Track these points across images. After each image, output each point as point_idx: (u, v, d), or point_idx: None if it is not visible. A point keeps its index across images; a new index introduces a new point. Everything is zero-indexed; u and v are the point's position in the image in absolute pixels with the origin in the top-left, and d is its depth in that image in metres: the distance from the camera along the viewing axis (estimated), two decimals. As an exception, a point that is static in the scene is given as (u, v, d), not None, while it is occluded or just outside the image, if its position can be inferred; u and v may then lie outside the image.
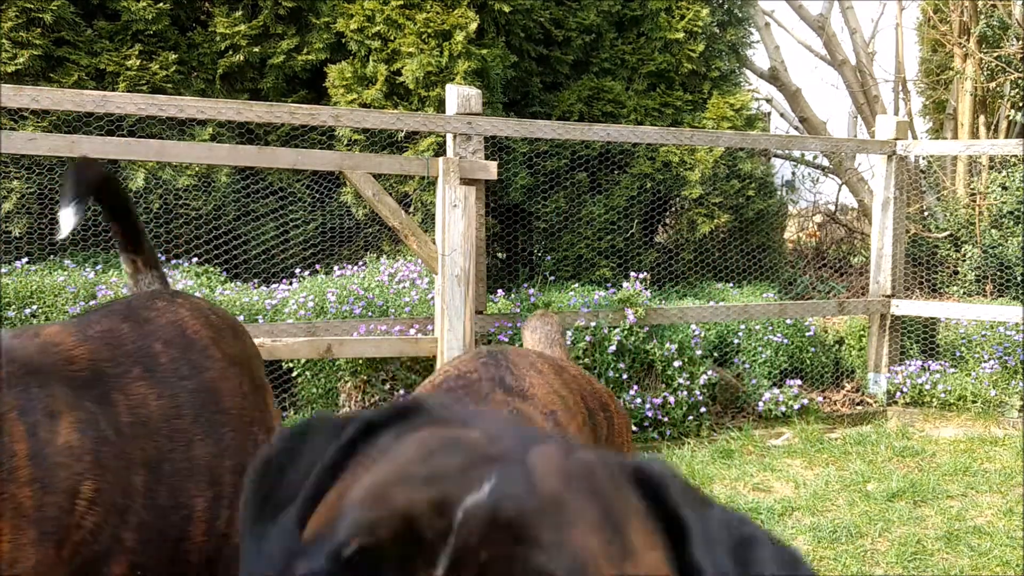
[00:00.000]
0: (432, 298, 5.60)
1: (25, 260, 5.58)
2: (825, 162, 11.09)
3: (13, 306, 4.96)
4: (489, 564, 0.65)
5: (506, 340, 5.59)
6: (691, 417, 6.10)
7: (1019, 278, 8.44)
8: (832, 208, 11.35)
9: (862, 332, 7.38)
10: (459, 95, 5.44)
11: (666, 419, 5.99)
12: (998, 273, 8.60)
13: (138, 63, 6.15)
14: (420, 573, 0.66)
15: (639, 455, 0.79)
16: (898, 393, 6.94)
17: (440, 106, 6.25)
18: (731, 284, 7.55)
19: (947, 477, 5.41)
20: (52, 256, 5.80)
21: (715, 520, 0.77)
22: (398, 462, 0.75)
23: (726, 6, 8.22)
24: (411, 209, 6.45)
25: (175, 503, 1.61)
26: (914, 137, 9.53)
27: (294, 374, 5.59)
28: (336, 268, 6.19)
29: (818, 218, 11.41)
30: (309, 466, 0.82)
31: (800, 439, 6.14)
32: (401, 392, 5.45)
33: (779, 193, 9.14)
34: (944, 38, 9.94)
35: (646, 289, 6.45)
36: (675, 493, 0.76)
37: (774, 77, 10.82)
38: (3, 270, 5.35)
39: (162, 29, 6.29)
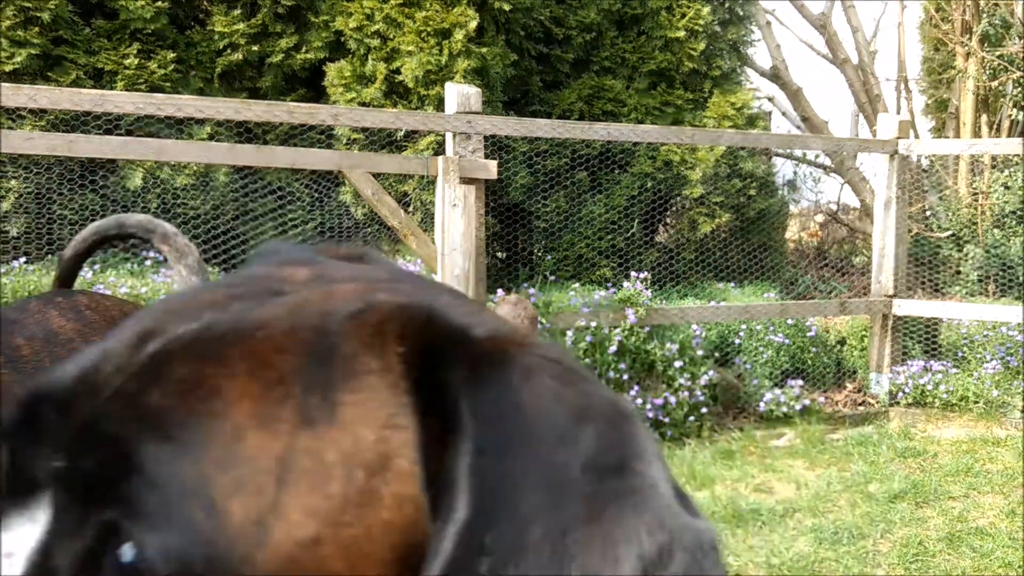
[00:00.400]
0: (431, 298, 5.57)
1: (23, 260, 5.56)
2: (827, 161, 11.07)
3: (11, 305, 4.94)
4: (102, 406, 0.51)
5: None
6: (692, 418, 6.07)
7: (1021, 278, 8.41)
8: (834, 207, 11.33)
9: (864, 332, 7.36)
10: (459, 94, 5.41)
11: (667, 420, 5.96)
12: (1000, 273, 8.57)
13: (136, 62, 6.12)
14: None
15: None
16: (900, 393, 6.91)
17: (440, 105, 6.22)
18: (732, 284, 7.53)
19: (949, 478, 5.38)
20: (50, 256, 5.78)
21: (555, 434, 0.49)
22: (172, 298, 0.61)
23: (727, 4, 8.20)
24: (410, 208, 6.43)
25: None
26: (916, 136, 9.52)
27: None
28: (335, 268, 6.17)
29: (820, 218, 11.39)
30: None
31: (802, 440, 6.11)
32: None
33: (781, 192, 9.11)
34: (946, 37, 9.91)
35: (647, 289, 6.42)
36: (461, 366, 0.51)
37: (775, 76, 10.80)
38: (1, 270, 5.33)
39: (160, 28, 6.27)
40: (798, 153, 10.67)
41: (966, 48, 9.61)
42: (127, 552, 0.47)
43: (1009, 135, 9.54)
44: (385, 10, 6.50)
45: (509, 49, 6.88)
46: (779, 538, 4.34)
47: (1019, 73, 9.30)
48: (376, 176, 5.17)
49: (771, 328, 6.81)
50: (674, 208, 7.90)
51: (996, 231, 8.66)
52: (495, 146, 6.52)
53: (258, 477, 0.47)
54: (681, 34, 7.56)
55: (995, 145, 8.07)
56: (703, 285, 7.49)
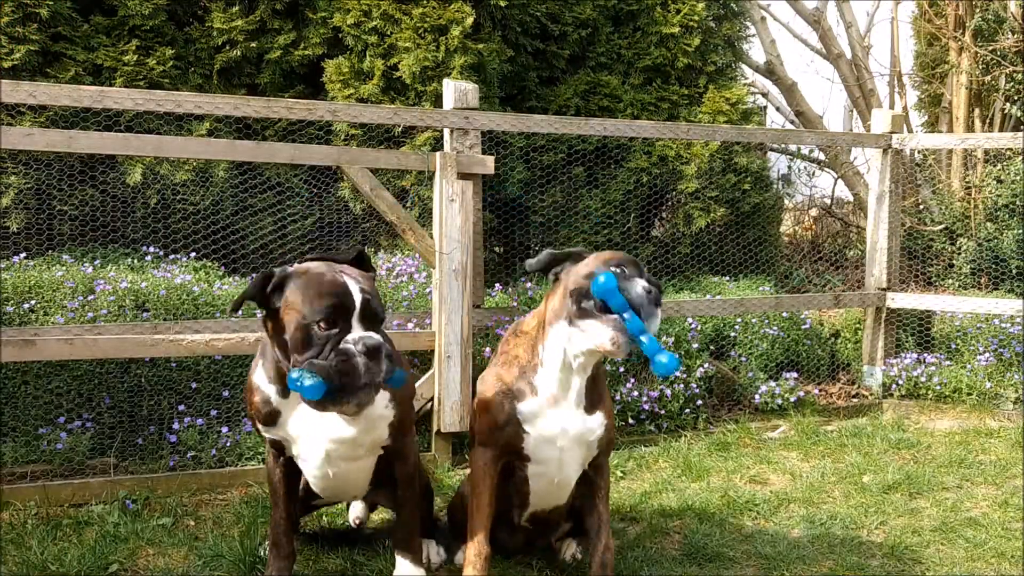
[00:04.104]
0: (430, 292, 5.62)
1: (23, 255, 5.59)
2: (821, 156, 11.12)
3: (12, 301, 4.97)
4: (368, 307, 2.87)
5: (504, 335, 5.61)
6: (688, 410, 6.13)
7: (1014, 271, 8.47)
8: (828, 202, 11.38)
9: (857, 325, 7.42)
10: (456, 90, 5.45)
11: (663, 412, 6.01)
12: (993, 266, 8.63)
13: (135, 58, 6.15)
14: (350, 320, 2.87)
15: None
16: (893, 385, 6.97)
17: (437, 100, 6.26)
18: (727, 278, 7.58)
19: (943, 469, 5.44)
20: (50, 251, 5.81)
21: None
22: (316, 288, 2.89)
23: (722, 0, 8.23)
24: (409, 204, 6.47)
25: None
26: (909, 131, 9.57)
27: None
28: (334, 263, 6.19)
29: (814, 212, 11.44)
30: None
31: (796, 431, 6.17)
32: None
33: (775, 187, 9.16)
34: (939, 32, 9.96)
35: (643, 283, 6.45)
36: None
37: (770, 71, 10.84)
38: (1, 265, 5.36)
39: (159, 24, 6.29)
40: (792, 148, 10.73)
41: (959, 43, 9.66)
42: None
43: (1002, 129, 9.60)
44: (382, 6, 6.53)
45: (505, 45, 6.92)
46: (773, 528, 4.39)
47: (1012, 68, 9.35)
48: (374, 172, 5.20)
49: (766, 321, 6.87)
50: (669, 203, 7.95)
51: (989, 224, 8.72)
52: (492, 141, 6.56)
53: None
54: (676, 30, 7.60)
55: (988, 139, 8.12)
56: (698, 279, 7.54)
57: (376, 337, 2.86)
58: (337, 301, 2.85)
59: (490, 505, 3.42)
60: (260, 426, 3.32)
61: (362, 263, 3.20)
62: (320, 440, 3.25)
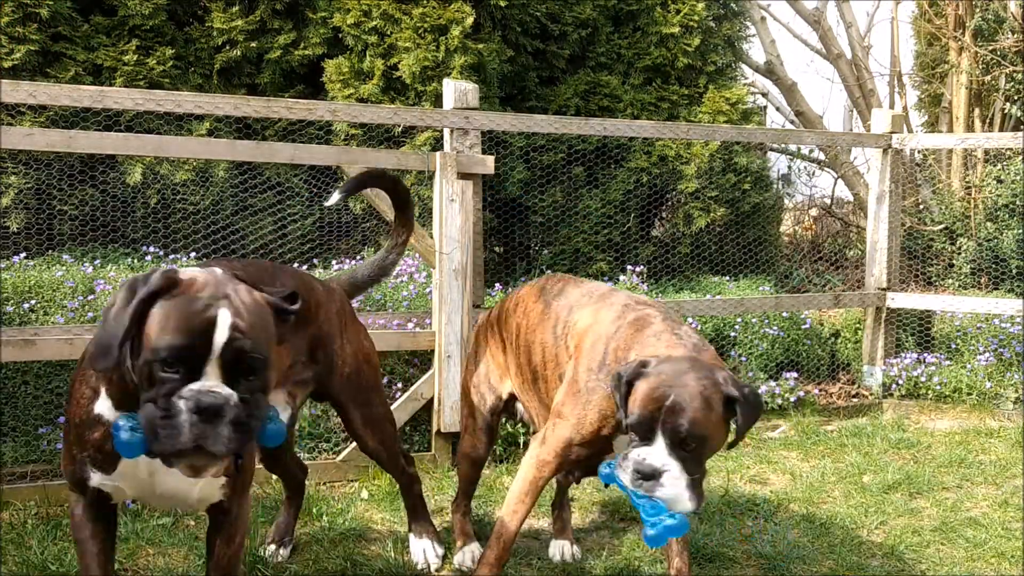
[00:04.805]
0: (430, 292, 5.62)
1: (23, 255, 5.59)
2: (821, 156, 11.12)
3: (12, 301, 4.97)
4: (232, 352, 2.23)
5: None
6: (688, 410, 6.11)
7: (1014, 271, 8.47)
8: (828, 202, 11.38)
9: (858, 325, 7.42)
10: (456, 90, 5.45)
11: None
12: (993, 266, 8.63)
13: (135, 58, 6.15)
14: (201, 366, 2.24)
15: None
16: (894, 385, 6.97)
17: (437, 100, 6.26)
18: (727, 278, 7.58)
19: (943, 469, 5.44)
20: (50, 251, 5.81)
21: None
22: (174, 319, 2.24)
23: (722, 0, 8.24)
24: (408, 203, 6.46)
25: None
26: (909, 131, 9.56)
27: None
28: (334, 262, 6.21)
29: (814, 212, 11.44)
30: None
31: (796, 431, 6.17)
32: (399, 386, 5.47)
33: (775, 187, 9.16)
34: (939, 32, 9.96)
35: (643, 283, 6.47)
36: None
37: (770, 71, 10.84)
38: (1, 265, 5.36)
39: (159, 24, 6.29)
40: (792, 148, 10.73)
41: (959, 43, 9.66)
42: None
43: (1001, 129, 9.60)
44: (382, 6, 6.53)
45: (505, 45, 6.91)
46: (773, 528, 4.39)
47: (1012, 68, 9.35)
48: (375, 171, 5.20)
49: (766, 321, 6.87)
50: (669, 203, 7.95)
51: (989, 224, 8.72)
52: (492, 141, 6.56)
53: None
54: (676, 30, 7.60)
55: (988, 139, 8.13)
56: (698, 279, 7.54)
57: (219, 395, 2.22)
58: (185, 342, 2.22)
59: (527, 513, 3.36)
60: (92, 471, 2.57)
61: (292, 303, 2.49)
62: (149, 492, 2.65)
